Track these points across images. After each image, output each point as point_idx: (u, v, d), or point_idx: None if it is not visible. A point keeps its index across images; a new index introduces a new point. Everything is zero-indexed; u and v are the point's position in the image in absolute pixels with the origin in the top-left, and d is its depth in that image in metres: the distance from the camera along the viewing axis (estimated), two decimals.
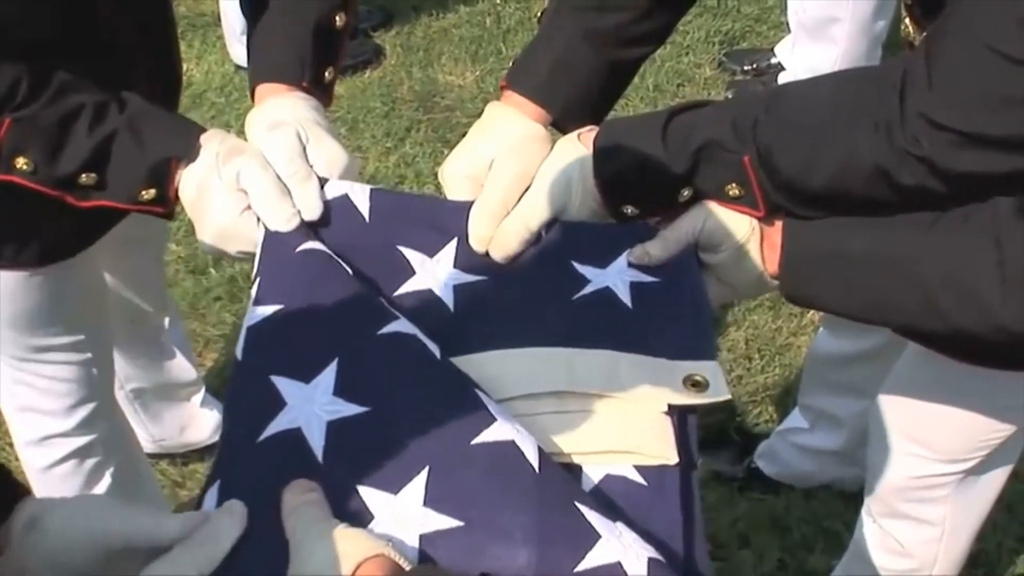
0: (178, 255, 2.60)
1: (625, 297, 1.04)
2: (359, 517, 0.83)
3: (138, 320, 1.83)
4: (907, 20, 1.25)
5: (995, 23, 0.90)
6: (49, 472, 1.68)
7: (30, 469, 1.74)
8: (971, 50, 0.92)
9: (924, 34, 1.17)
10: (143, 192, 1.04)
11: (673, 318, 1.03)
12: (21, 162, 1.03)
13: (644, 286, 1.05)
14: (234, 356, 0.94)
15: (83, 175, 1.03)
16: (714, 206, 1.06)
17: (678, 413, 0.96)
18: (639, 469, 0.92)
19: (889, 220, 1.01)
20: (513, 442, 0.87)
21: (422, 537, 0.82)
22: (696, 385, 0.97)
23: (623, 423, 0.94)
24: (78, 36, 1.16)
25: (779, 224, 1.06)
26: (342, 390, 0.90)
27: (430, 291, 1.03)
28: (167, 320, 1.91)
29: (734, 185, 1.04)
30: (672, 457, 0.92)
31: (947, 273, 0.97)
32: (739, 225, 1.06)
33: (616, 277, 1.05)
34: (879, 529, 1.62)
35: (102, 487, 1.70)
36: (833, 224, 1.04)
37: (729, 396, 0.98)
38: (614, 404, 0.95)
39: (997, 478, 1.55)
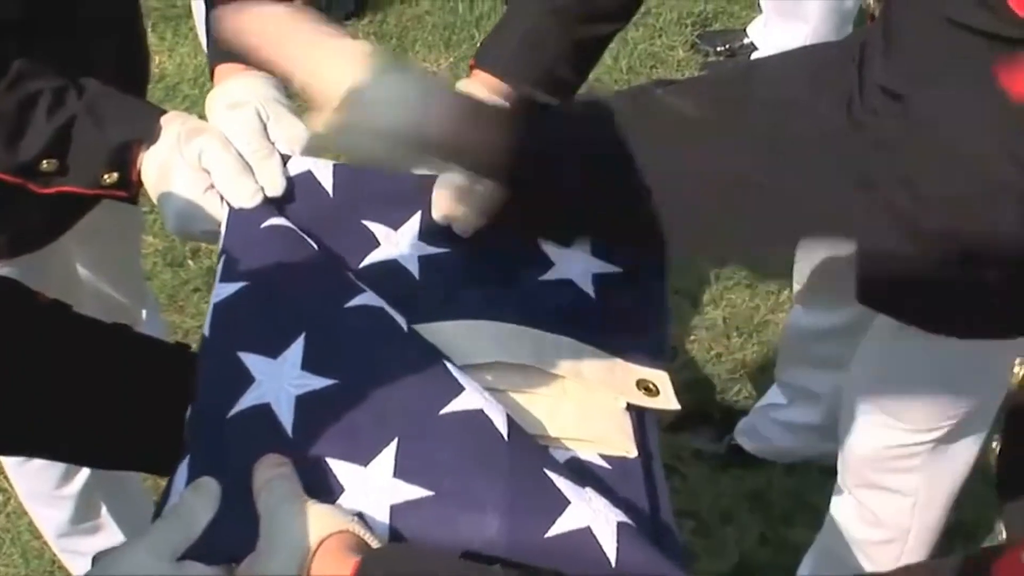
0: (155, 247, 2.59)
1: (589, 290, 1.04)
2: (330, 490, 0.83)
3: (115, 313, 1.82)
4: None
5: None
6: (26, 466, 1.68)
7: (6, 464, 1.74)
8: (927, 21, 0.92)
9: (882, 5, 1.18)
10: (105, 176, 1.04)
11: (632, 321, 1.04)
12: None
13: (607, 278, 1.05)
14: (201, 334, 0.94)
15: (44, 161, 1.03)
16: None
17: (636, 409, 0.98)
18: (603, 456, 0.93)
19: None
20: (482, 411, 0.87)
21: (392, 508, 0.83)
22: (648, 390, 0.99)
23: (585, 412, 0.95)
24: (43, 17, 1.15)
25: None
26: (310, 364, 0.90)
27: (395, 261, 1.03)
28: (144, 312, 1.91)
29: None
30: (632, 451, 0.94)
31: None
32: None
33: (579, 269, 1.05)
34: (853, 500, 1.63)
35: (80, 479, 1.70)
36: None
37: (679, 407, 1.00)
38: (577, 392, 0.97)
39: (969, 447, 1.56)
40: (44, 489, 1.69)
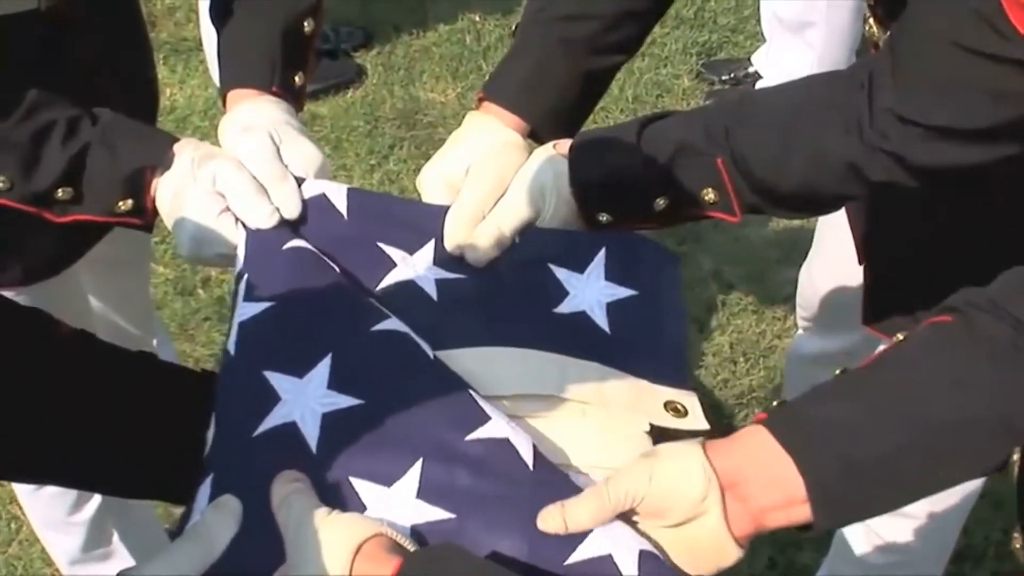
0: (166, 277, 2.62)
1: (602, 322, 1.04)
2: (352, 509, 0.84)
3: (125, 342, 1.83)
4: (871, 20, 1.27)
5: (953, 17, 0.91)
6: (39, 492, 1.69)
7: (20, 492, 1.76)
8: (932, 45, 0.93)
9: (888, 33, 1.20)
10: (120, 203, 1.05)
11: (652, 341, 1.04)
12: None
13: (621, 304, 1.06)
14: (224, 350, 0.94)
15: (59, 190, 1.04)
16: (661, 460, 0.84)
17: (657, 433, 0.98)
18: None
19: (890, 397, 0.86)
20: (508, 440, 0.88)
21: (414, 528, 0.83)
22: (676, 411, 0.99)
23: (607, 439, 0.95)
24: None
25: (744, 475, 0.83)
26: (336, 384, 0.91)
27: (413, 282, 1.03)
28: (155, 341, 1.93)
29: (709, 190, 1.04)
30: None
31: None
32: (693, 479, 0.83)
33: (593, 299, 1.06)
34: (861, 524, 1.63)
35: (92, 506, 1.72)
36: (838, 440, 0.83)
37: (708, 427, 0.99)
38: (599, 418, 0.97)
39: None
40: (57, 516, 1.71)
